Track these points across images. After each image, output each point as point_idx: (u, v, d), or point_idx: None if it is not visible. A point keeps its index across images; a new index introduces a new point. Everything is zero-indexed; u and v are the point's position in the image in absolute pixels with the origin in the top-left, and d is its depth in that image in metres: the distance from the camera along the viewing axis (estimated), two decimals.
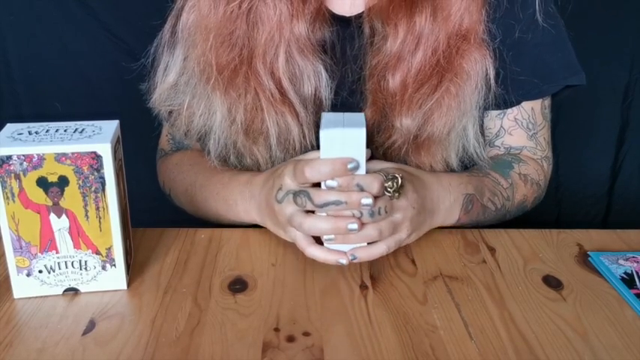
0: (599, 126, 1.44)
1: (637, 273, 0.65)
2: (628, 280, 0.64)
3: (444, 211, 0.72)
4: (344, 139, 0.61)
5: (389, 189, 0.63)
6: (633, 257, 0.68)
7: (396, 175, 0.63)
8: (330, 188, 0.62)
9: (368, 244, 0.64)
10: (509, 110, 0.82)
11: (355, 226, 0.61)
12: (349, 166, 0.61)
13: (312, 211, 0.64)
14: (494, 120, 0.84)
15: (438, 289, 0.63)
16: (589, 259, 0.69)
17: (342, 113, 0.66)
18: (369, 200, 0.61)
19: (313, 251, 0.64)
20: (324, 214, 0.62)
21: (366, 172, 0.63)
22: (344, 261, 0.63)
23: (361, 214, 0.62)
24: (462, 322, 0.58)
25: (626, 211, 1.47)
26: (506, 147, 0.84)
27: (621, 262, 0.67)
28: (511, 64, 0.77)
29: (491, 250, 0.71)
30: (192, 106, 0.79)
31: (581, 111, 1.35)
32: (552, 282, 0.65)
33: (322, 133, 0.61)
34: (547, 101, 0.85)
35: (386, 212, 0.63)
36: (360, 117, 0.65)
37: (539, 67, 0.80)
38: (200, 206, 0.80)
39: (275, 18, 0.72)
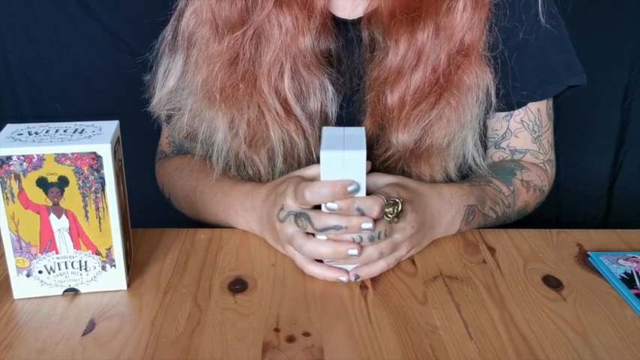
0: (599, 126, 1.44)
1: (637, 273, 0.65)
2: (628, 280, 0.64)
3: (445, 224, 0.72)
4: (344, 161, 0.61)
5: (389, 214, 0.63)
6: (633, 257, 0.68)
7: (397, 200, 0.63)
8: (330, 210, 0.62)
9: None
10: (515, 112, 0.82)
11: (355, 251, 0.62)
12: (349, 188, 0.61)
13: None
14: (501, 122, 0.84)
15: (438, 289, 0.63)
16: (589, 259, 0.69)
17: (342, 128, 0.66)
18: (369, 225, 0.61)
19: (312, 269, 0.64)
20: (323, 237, 0.63)
21: (367, 191, 0.63)
22: (344, 278, 0.64)
23: (361, 238, 0.62)
24: (462, 322, 0.58)
25: (626, 211, 1.47)
26: (511, 149, 0.85)
27: (621, 262, 0.67)
28: (515, 65, 0.77)
29: (491, 250, 0.71)
30: (193, 111, 0.79)
31: (581, 111, 1.35)
32: (552, 282, 0.65)
33: (322, 155, 0.61)
34: (550, 102, 0.85)
35: (385, 235, 0.63)
36: (360, 134, 0.64)
37: (543, 68, 0.80)
38: (200, 212, 0.80)
39: (281, 37, 0.72)
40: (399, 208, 0.63)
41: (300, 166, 0.77)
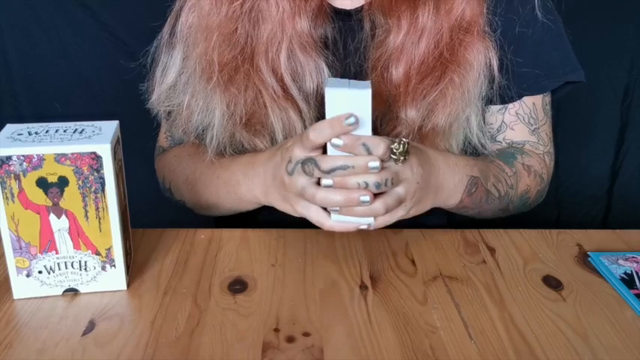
0: (599, 126, 1.44)
1: (637, 273, 0.65)
2: (628, 281, 0.64)
3: (448, 190, 0.71)
4: (349, 99, 0.59)
5: (395, 150, 0.61)
6: (633, 257, 0.68)
7: (403, 140, 0.62)
8: (335, 146, 0.60)
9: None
10: (510, 105, 0.82)
11: (367, 198, 0.60)
12: (346, 121, 0.59)
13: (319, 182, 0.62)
14: (496, 115, 0.84)
15: (438, 290, 0.63)
16: (589, 259, 0.69)
17: (347, 79, 0.64)
18: (376, 163, 0.59)
19: (332, 223, 0.63)
20: (330, 181, 0.61)
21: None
22: (364, 226, 0.63)
23: (367, 184, 0.60)
24: (461, 322, 0.58)
25: (626, 211, 1.47)
26: (508, 142, 0.85)
27: (621, 262, 0.67)
28: (511, 59, 0.78)
29: (491, 250, 0.71)
30: (192, 105, 0.79)
31: (581, 111, 1.35)
32: (552, 282, 0.65)
33: (327, 92, 0.59)
34: (547, 97, 0.85)
35: (392, 184, 0.62)
36: (366, 82, 0.63)
37: (540, 62, 0.80)
38: (201, 194, 0.80)
39: (277, 15, 0.72)
40: (406, 146, 0.62)
41: None
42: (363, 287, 0.63)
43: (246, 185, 0.73)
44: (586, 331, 0.57)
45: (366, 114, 0.60)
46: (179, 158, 0.85)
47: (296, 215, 0.66)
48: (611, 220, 1.49)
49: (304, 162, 0.62)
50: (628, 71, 1.39)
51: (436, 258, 0.69)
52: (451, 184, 0.71)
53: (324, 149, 0.63)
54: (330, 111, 0.60)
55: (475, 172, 0.74)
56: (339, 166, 0.60)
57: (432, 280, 0.65)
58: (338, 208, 0.62)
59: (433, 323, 0.58)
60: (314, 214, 0.64)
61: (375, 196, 0.61)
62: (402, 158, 0.62)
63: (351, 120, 0.59)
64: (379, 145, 0.60)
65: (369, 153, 0.60)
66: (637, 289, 0.63)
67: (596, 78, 1.19)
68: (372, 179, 0.60)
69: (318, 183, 0.62)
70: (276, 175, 0.67)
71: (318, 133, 0.60)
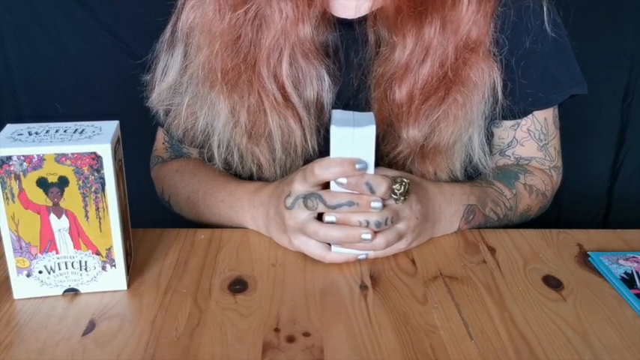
0: (599, 126, 1.44)
1: (637, 273, 0.65)
2: (628, 280, 0.64)
3: (445, 222, 0.72)
4: (354, 137, 0.61)
5: (396, 191, 0.64)
6: (633, 257, 0.68)
7: (405, 180, 0.64)
8: (339, 185, 0.62)
9: None
10: (522, 121, 0.83)
11: (369, 236, 0.63)
12: (357, 166, 0.62)
13: (320, 218, 0.65)
14: (508, 131, 0.84)
15: (438, 290, 0.63)
16: (589, 259, 0.69)
17: (351, 112, 0.66)
18: (378, 204, 0.62)
19: (333, 256, 0.66)
20: (333, 217, 0.63)
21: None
22: (363, 256, 0.66)
23: (367, 223, 0.62)
24: (462, 322, 0.58)
25: (626, 211, 1.47)
26: (517, 157, 0.85)
27: (621, 262, 0.67)
28: (521, 74, 0.77)
29: (492, 250, 0.71)
30: (192, 105, 0.79)
31: (582, 111, 1.35)
32: (552, 282, 0.65)
33: (333, 130, 0.61)
34: (556, 110, 0.85)
35: (392, 222, 0.64)
36: (369, 116, 0.65)
37: (547, 77, 0.80)
38: (203, 213, 0.80)
39: (280, 22, 0.72)
40: (407, 187, 0.64)
41: (297, 155, 0.77)
42: (363, 287, 0.63)
43: (250, 214, 0.74)
44: (586, 330, 0.57)
45: (369, 150, 0.62)
46: (181, 174, 0.85)
47: (292, 249, 0.69)
48: (611, 220, 1.49)
49: (307, 196, 0.64)
50: (628, 71, 1.39)
51: (436, 258, 0.69)
52: (448, 215, 0.72)
53: (323, 185, 0.65)
54: (334, 147, 0.62)
55: (472, 200, 0.74)
56: (345, 202, 0.62)
57: (432, 279, 0.65)
58: None
59: (433, 323, 0.58)
60: (314, 249, 0.66)
61: (376, 231, 0.64)
62: (402, 198, 0.65)
63: (362, 165, 0.62)
64: (381, 184, 0.62)
65: (372, 191, 0.62)
66: (637, 288, 0.63)
67: (596, 78, 1.19)
68: (373, 218, 0.63)
69: (318, 218, 0.64)
70: (277, 209, 0.68)
71: (325, 170, 0.62)
